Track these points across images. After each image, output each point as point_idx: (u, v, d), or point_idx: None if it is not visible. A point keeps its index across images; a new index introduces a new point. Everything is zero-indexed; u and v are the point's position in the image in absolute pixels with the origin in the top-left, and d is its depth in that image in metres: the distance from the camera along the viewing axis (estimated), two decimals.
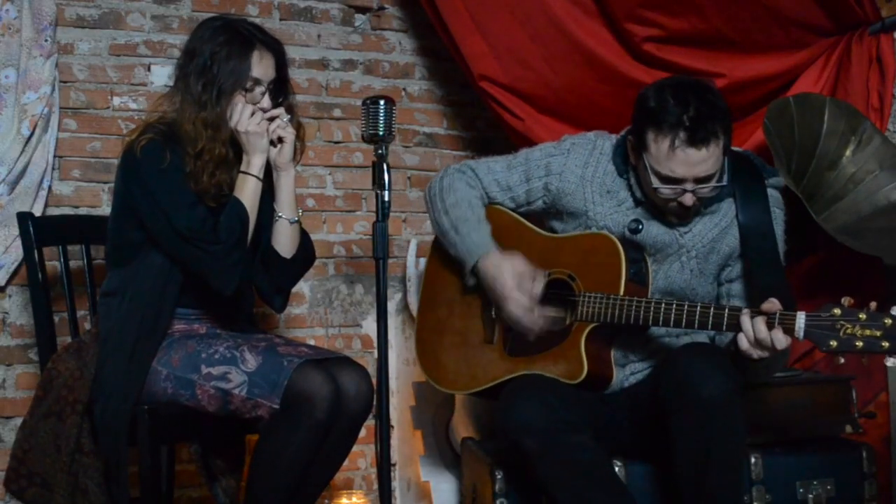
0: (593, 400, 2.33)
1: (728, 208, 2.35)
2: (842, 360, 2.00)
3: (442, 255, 2.56)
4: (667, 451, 2.19)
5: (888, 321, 1.94)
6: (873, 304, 1.97)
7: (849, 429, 2.60)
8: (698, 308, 2.15)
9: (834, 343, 1.98)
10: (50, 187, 2.90)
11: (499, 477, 2.43)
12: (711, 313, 2.13)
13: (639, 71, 2.98)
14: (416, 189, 3.46)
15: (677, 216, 2.31)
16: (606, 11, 3.01)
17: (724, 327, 2.12)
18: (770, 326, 2.04)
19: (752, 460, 2.44)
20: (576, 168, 2.42)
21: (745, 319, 2.06)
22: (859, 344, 1.96)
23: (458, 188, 2.49)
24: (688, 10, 2.89)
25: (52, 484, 2.27)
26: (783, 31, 2.92)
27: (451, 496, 3.10)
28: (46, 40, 2.84)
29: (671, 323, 2.19)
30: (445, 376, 2.54)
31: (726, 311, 2.11)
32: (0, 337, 2.87)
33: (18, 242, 2.66)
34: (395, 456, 3.22)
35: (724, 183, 2.26)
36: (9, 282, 2.85)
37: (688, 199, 2.24)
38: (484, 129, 3.58)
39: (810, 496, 2.47)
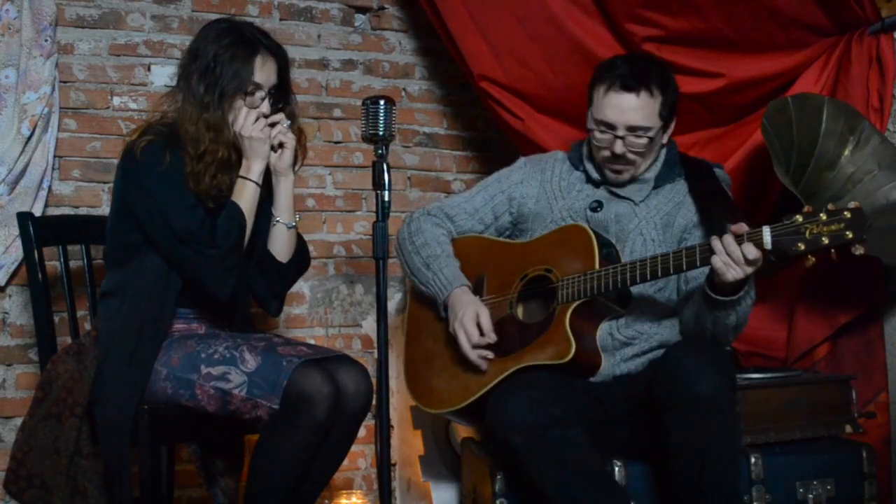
0: (586, 395, 2.34)
1: (681, 187, 2.50)
2: (812, 260, 2.06)
3: (422, 291, 2.62)
4: (663, 448, 2.19)
5: (847, 213, 2.03)
6: (831, 205, 2.05)
7: (849, 429, 2.60)
8: (671, 254, 2.22)
9: (801, 245, 2.05)
10: (50, 187, 2.90)
11: (499, 477, 2.43)
12: (684, 253, 2.21)
13: None
14: (416, 189, 3.46)
15: (610, 167, 2.45)
16: (606, 11, 3.00)
17: (699, 262, 2.19)
18: (739, 244, 2.12)
19: (752, 460, 2.44)
20: (534, 174, 2.60)
21: (716, 241, 2.14)
22: (825, 240, 2.03)
23: (426, 229, 2.60)
24: (687, 10, 2.89)
25: (52, 486, 2.28)
26: (783, 31, 2.92)
27: (451, 496, 3.10)
28: (46, 40, 2.84)
29: (648, 276, 2.25)
30: (438, 397, 2.55)
31: (697, 246, 2.19)
32: (0, 337, 2.87)
33: (18, 242, 2.67)
34: (395, 456, 3.22)
35: (651, 135, 2.39)
36: (9, 282, 2.85)
37: (618, 147, 2.39)
38: (484, 129, 3.58)
39: (810, 496, 2.47)
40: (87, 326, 2.70)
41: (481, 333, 2.41)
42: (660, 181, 2.49)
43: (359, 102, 2.57)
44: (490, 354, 2.42)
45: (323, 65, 3.33)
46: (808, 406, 2.58)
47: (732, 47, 2.96)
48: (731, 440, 2.17)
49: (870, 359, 2.86)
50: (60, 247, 2.61)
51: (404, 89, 3.48)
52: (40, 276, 2.52)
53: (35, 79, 2.82)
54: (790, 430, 2.55)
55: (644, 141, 2.39)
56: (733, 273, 2.13)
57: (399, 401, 3.22)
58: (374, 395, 2.32)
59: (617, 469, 2.37)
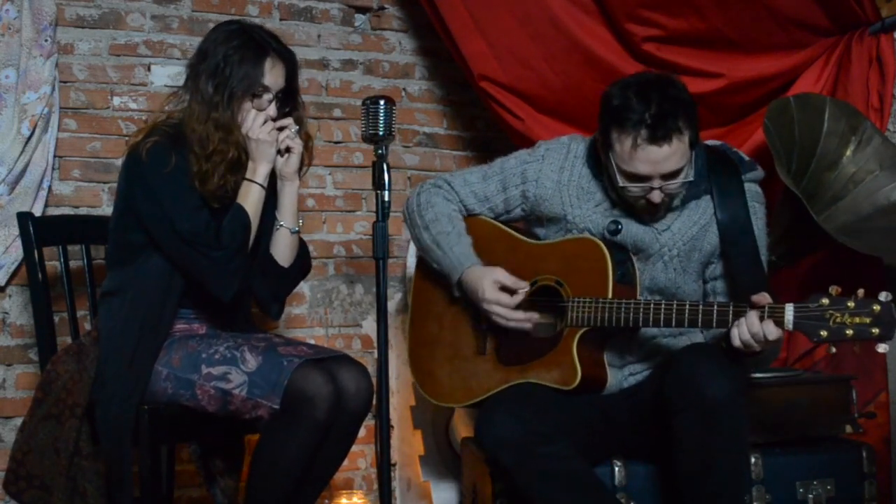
0: (586, 404, 2.33)
1: (706, 206, 2.36)
2: (833, 350, 2.01)
3: (428, 269, 2.57)
4: (668, 451, 2.19)
5: (876, 307, 1.95)
6: (861, 292, 1.97)
7: (849, 429, 2.60)
8: (687, 306, 2.16)
9: (824, 333, 1.98)
10: (50, 187, 2.90)
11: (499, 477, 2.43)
12: (701, 311, 2.14)
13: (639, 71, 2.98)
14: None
15: (647, 213, 2.32)
16: (606, 11, 3.01)
17: (715, 324, 2.14)
18: (760, 319, 2.05)
19: (752, 460, 2.44)
20: (551, 173, 2.43)
21: (739, 320, 2.08)
22: (849, 332, 1.96)
23: (436, 203, 2.51)
24: (687, 10, 2.89)
25: (51, 486, 2.27)
26: (783, 31, 2.92)
27: (451, 496, 3.10)
28: (46, 40, 2.84)
29: (661, 323, 2.20)
30: (441, 390, 2.55)
31: (715, 307, 2.13)
32: (0, 337, 2.87)
33: (18, 242, 2.66)
34: (395, 456, 3.21)
35: (691, 178, 2.26)
36: (9, 282, 2.85)
37: (656, 197, 2.25)
38: (484, 129, 3.58)
39: (810, 496, 2.47)
40: (87, 326, 2.69)
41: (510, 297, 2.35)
42: (685, 200, 2.35)
43: (359, 102, 2.56)
44: (535, 315, 2.37)
45: (323, 65, 3.33)
46: (808, 406, 2.57)
47: (732, 47, 2.96)
48: (740, 444, 2.16)
49: (870, 359, 2.86)
50: (60, 247, 2.61)
51: (404, 89, 3.48)
52: (40, 276, 2.52)
53: (35, 79, 2.82)
54: (790, 430, 2.55)
55: (681, 180, 2.24)
56: (752, 349, 2.08)
57: (399, 401, 3.22)
58: (375, 395, 2.32)
59: (617, 469, 2.37)
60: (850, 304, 1.96)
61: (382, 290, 2.17)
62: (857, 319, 1.95)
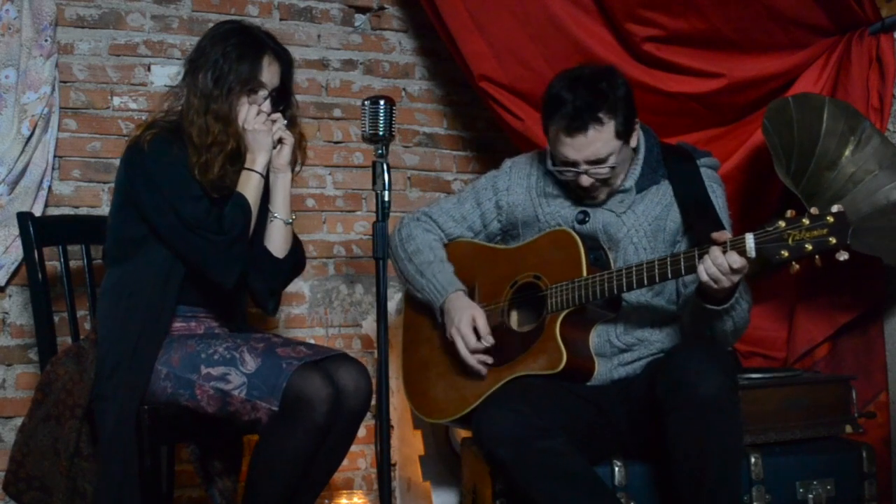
0: (582, 399, 2.34)
1: (666, 189, 2.45)
2: (796, 267, 2.03)
3: (415, 299, 2.63)
4: (665, 450, 2.19)
5: (830, 218, 1.98)
6: (814, 209, 2.01)
7: (849, 429, 2.60)
8: (656, 262, 2.21)
9: (785, 253, 2.02)
10: (50, 187, 2.90)
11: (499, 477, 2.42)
12: (669, 262, 2.19)
13: (639, 71, 2.98)
14: (416, 189, 3.46)
15: (582, 196, 2.43)
16: (606, 11, 3.00)
17: (684, 271, 2.18)
18: (723, 252, 2.10)
19: (752, 460, 2.44)
20: (520, 180, 2.56)
21: (701, 253, 2.13)
22: (809, 247, 1.99)
23: (417, 235, 2.60)
24: (688, 10, 2.89)
25: (51, 488, 2.27)
26: (783, 31, 2.92)
27: (451, 496, 3.10)
28: (46, 40, 2.84)
29: (635, 284, 2.24)
30: (436, 407, 2.57)
31: (682, 255, 2.18)
32: (0, 337, 2.87)
33: (18, 242, 2.67)
34: (395, 456, 3.21)
35: (614, 161, 2.34)
36: (9, 282, 2.85)
37: (584, 181, 2.37)
38: (484, 129, 3.58)
39: (810, 496, 2.47)
40: (87, 327, 2.69)
41: (479, 338, 2.41)
42: (642, 185, 2.43)
43: (359, 102, 2.57)
44: (489, 359, 2.43)
45: (323, 65, 3.33)
46: (808, 406, 2.57)
47: (732, 47, 2.96)
48: (734, 440, 2.17)
49: (870, 359, 2.86)
50: (60, 247, 2.61)
51: (404, 89, 3.48)
52: (40, 276, 2.52)
53: (35, 79, 2.82)
54: (790, 430, 2.55)
55: (608, 166, 2.34)
56: (720, 283, 2.11)
57: (399, 400, 3.22)
58: (374, 395, 2.32)
59: (617, 469, 2.37)
60: (806, 220, 2.00)
61: (382, 290, 2.18)
62: (814, 233, 1.99)
